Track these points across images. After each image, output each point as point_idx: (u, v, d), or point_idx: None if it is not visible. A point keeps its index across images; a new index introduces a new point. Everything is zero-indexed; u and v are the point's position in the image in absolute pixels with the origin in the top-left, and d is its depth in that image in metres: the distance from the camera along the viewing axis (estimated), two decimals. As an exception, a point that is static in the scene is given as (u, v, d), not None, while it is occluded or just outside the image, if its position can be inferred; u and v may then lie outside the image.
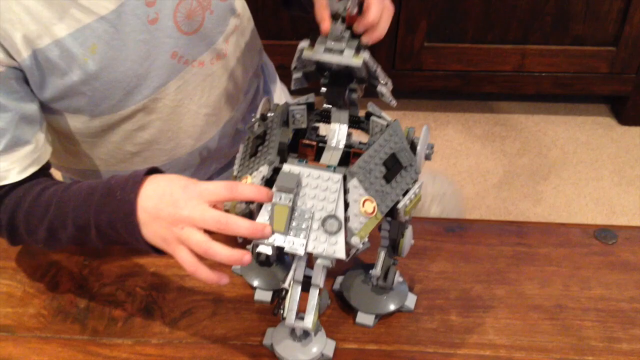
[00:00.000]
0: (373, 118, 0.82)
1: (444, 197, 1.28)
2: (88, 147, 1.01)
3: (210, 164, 1.13)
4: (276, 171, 0.75)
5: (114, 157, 1.03)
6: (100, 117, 0.94)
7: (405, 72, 2.16)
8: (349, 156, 0.85)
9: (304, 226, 0.73)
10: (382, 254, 0.88)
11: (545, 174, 2.12)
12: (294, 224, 0.73)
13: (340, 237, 0.73)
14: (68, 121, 0.95)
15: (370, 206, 0.75)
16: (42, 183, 0.88)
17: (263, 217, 0.73)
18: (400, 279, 0.91)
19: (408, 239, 0.87)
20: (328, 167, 0.77)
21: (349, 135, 0.85)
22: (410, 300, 0.92)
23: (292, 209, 0.73)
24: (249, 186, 0.73)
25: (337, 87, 0.81)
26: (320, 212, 0.74)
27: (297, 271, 0.76)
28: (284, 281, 0.76)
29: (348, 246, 0.73)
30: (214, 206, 0.73)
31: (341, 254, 0.73)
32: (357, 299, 0.90)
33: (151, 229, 0.76)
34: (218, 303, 0.91)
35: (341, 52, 0.76)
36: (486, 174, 2.12)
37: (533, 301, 0.93)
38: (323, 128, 0.88)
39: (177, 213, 0.73)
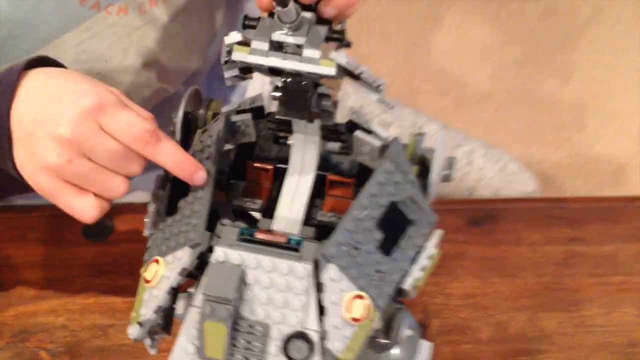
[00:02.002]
0: (357, 134, 0.50)
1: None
2: None
3: None
4: (204, 256, 0.46)
5: None
6: None
7: None
8: (324, 182, 0.54)
9: (255, 349, 0.45)
10: None
11: (576, 40, 1.76)
12: (239, 345, 0.45)
13: None
14: None
15: (359, 307, 0.45)
16: None
17: (187, 336, 0.45)
18: (410, 332, 0.63)
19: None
20: (289, 243, 0.46)
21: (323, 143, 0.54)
22: (425, 352, 0.65)
23: (235, 323, 0.44)
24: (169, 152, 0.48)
25: (296, 94, 0.48)
26: (279, 326, 0.45)
27: None
28: None
29: None
30: None
31: None
32: (350, 360, 0.63)
33: (23, 151, 0.52)
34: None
35: (298, 48, 0.44)
36: (504, 45, 1.76)
37: (597, 337, 0.67)
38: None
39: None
